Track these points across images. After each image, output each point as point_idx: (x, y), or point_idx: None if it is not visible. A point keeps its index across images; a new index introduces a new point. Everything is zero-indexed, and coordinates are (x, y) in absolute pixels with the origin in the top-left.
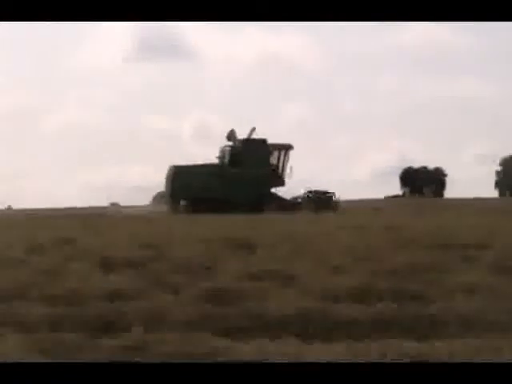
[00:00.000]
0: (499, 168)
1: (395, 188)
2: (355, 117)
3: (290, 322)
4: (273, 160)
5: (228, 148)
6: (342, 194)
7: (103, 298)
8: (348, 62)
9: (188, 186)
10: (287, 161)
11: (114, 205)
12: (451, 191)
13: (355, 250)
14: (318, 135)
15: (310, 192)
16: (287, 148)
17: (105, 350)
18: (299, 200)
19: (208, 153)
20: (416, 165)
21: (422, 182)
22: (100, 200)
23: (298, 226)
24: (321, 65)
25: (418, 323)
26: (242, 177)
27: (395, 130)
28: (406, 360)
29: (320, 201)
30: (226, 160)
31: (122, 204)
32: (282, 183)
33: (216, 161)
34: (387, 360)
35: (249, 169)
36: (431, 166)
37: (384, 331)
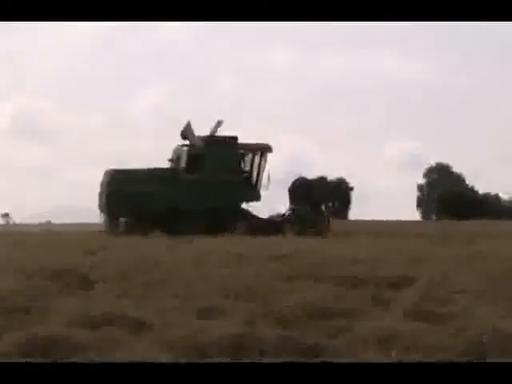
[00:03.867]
0: (423, 181)
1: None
2: (233, 104)
3: None
4: (245, 165)
5: (184, 148)
6: None
7: None
8: (227, 34)
9: (129, 198)
10: (264, 167)
11: None
12: (359, 211)
13: (231, 287)
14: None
15: (294, 209)
16: (264, 149)
17: None
18: (278, 219)
19: (33, 153)
20: (312, 173)
21: (319, 197)
22: None
23: (155, 253)
24: (192, 36)
25: None
26: (203, 187)
27: (285, 124)
28: (406, 360)
29: (304, 220)
30: (182, 164)
31: None
32: (256, 196)
33: (167, 164)
34: (387, 360)
35: (212, 176)
36: (332, 175)
37: None
